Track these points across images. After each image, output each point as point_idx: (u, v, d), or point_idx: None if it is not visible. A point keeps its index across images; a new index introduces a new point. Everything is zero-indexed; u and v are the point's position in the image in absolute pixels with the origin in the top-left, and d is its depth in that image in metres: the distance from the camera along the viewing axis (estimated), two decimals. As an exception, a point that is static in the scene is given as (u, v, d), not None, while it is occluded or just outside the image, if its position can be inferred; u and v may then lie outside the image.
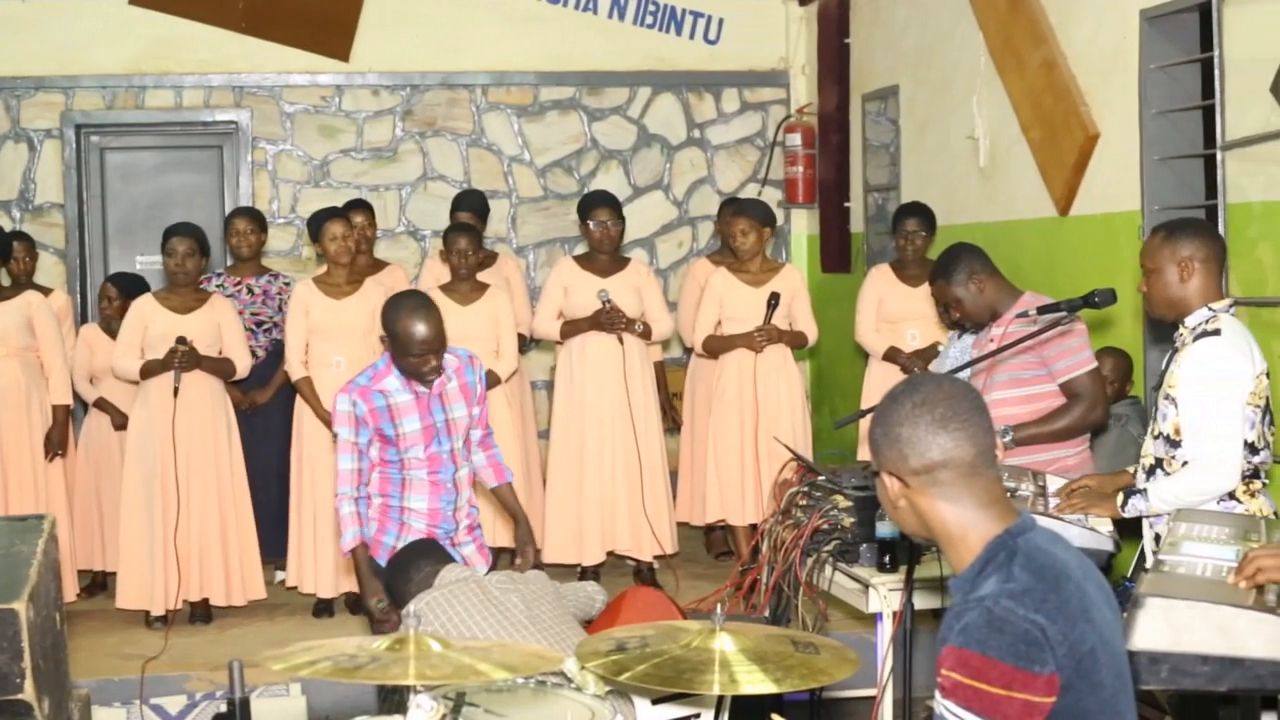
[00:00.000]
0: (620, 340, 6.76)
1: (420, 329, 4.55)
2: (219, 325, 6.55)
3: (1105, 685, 2.32)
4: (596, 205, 6.93)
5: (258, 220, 7.37)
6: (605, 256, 6.92)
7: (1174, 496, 3.92)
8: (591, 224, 6.87)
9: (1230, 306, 4.03)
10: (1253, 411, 3.90)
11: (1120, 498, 4.03)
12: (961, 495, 2.42)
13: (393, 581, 4.41)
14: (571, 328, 6.87)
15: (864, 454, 5.51)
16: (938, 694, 2.30)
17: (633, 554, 6.90)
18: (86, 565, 7.08)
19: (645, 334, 6.88)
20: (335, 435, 4.73)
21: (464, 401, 4.79)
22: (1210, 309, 3.99)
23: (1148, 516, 4.04)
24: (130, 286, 7.00)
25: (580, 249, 8.82)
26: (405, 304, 4.65)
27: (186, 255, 6.47)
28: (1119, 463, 5.31)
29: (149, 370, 6.40)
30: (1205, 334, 3.94)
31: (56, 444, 6.69)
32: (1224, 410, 3.86)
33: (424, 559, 4.36)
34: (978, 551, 2.39)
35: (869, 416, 2.53)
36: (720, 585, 5.73)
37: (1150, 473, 4.07)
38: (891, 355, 6.79)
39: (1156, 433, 4.05)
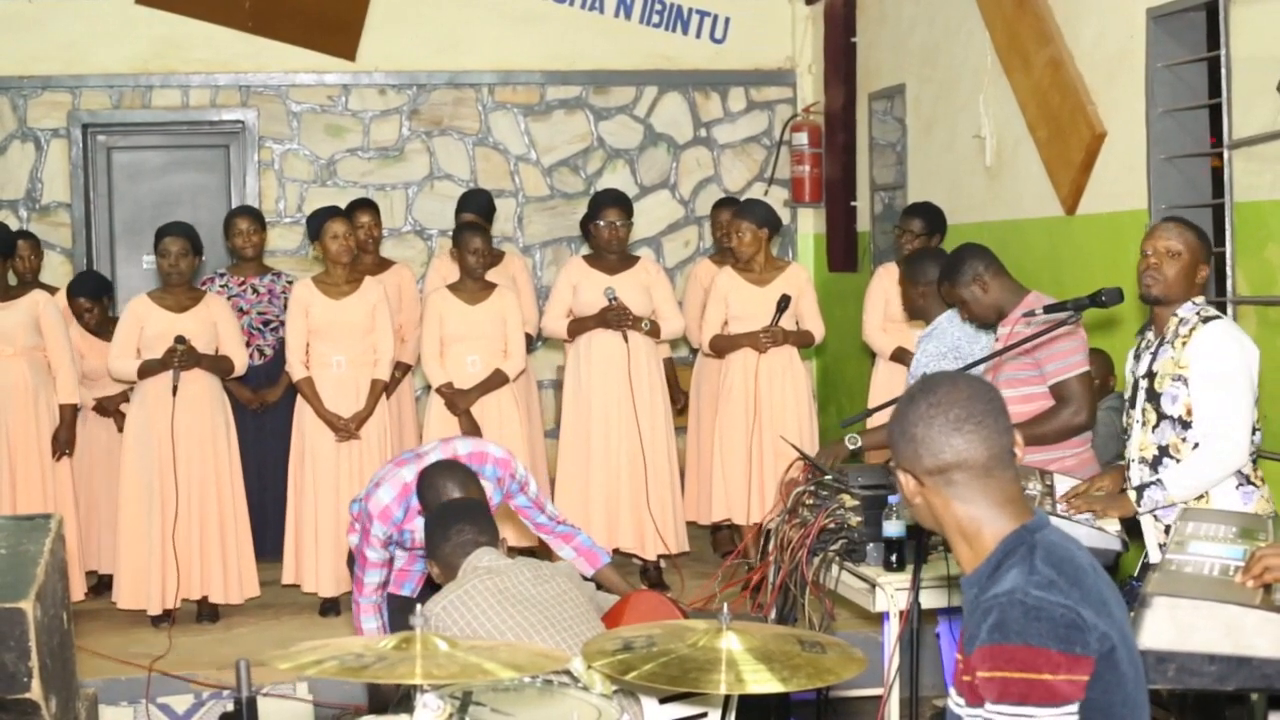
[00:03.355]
0: (625, 338, 6.76)
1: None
2: (215, 324, 6.55)
3: (1128, 678, 2.34)
4: (606, 205, 6.91)
5: (258, 219, 7.39)
6: (614, 255, 6.92)
7: (1193, 480, 3.96)
8: (601, 223, 6.86)
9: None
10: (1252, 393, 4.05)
11: (1133, 494, 4.04)
12: (975, 496, 2.42)
13: (431, 535, 4.30)
14: (578, 325, 6.86)
15: (873, 457, 5.52)
16: (987, 702, 2.26)
17: (636, 552, 6.90)
18: (94, 565, 7.09)
19: (654, 332, 6.88)
20: (363, 552, 4.86)
21: None
22: (1194, 302, 4.12)
23: (1163, 507, 4.05)
24: (98, 289, 7.02)
25: (586, 248, 8.82)
26: (447, 500, 4.49)
27: (180, 255, 6.47)
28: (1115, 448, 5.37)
29: (147, 370, 6.39)
30: (1210, 318, 4.06)
31: (64, 444, 6.68)
32: (1237, 388, 3.98)
33: (468, 523, 4.22)
34: (991, 548, 2.39)
35: (884, 412, 2.54)
36: (724, 584, 5.73)
37: (1154, 465, 4.08)
38: (899, 355, 6.78)
39: (1156, 422, 4.08)
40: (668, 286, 7.05)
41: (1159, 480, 4.01)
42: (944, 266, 5.17)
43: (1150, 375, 4.14)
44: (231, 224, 7.31)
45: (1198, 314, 4.08)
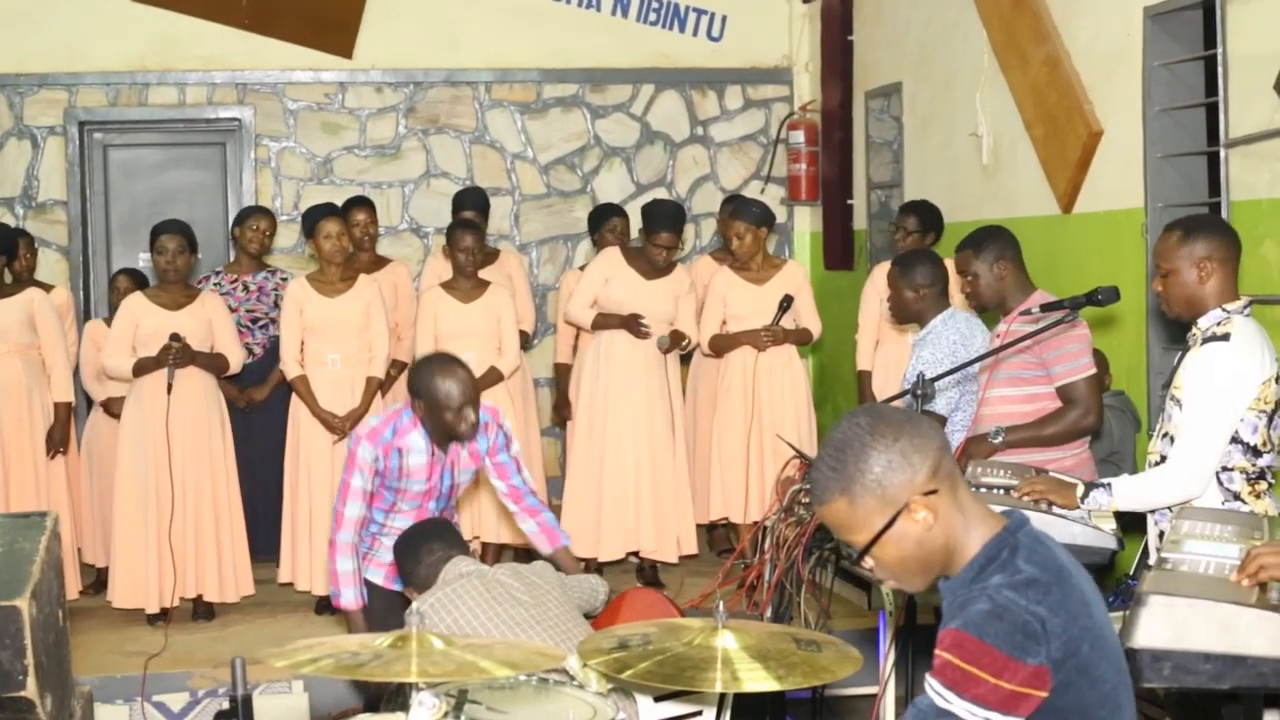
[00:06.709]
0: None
1: (453, 387, 4.54)
2: (210, 321, 6.54)
3: (1106, 680, 2.32)
4: (662, 228, 6.72)
5: (272, 218, 7.44)
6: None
7: (1142, 496, 3.91)
8: (651, 244, 6.74)
9: (1245, 307, 3.97)
10: (1257, 416, 3.85)
11: (1081, 488, 4.01)
12: (960, 483, 2.41)
13: (402, 561, 4.36)
14: (603, 321, 6.84)
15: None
16: (929, 673, 2.30)
17: (656, 557, 6.88)
18: (92, 562, 7.08)
19: (672, 348, 6.83)
20: (347, 481, 4.72)
21: (473, 466, 4.87)
22: (1224, 310, 3.93)
23: (1105, 511, 4.00)
24: (141, 280, 7.05)
25: (584, 246, 8.83)
26: (434, 363, 4.64)
27: (176, 253, 6.47)
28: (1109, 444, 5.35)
29: (142, 368, 6.39)
30: (1214, 338, 3.88)
31: (58, 441, 6.69)
32: (1213, 419, 3.83)
33: (436, 541, 4.29)
34: (975, 551, 2.38)
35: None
36: (720, 582, 5.73)
37: None
38: (862, 375, 6.85)
39: (1164, 432, 4.04)
40: (695, 300, 6.97)
41: (1108, 485, 3.98)
42: (970, 235, 5.12)
43: (1169, 383, 4.08)
44: (248, 221, 7.30)
45: (1213, 326, 3.91)
